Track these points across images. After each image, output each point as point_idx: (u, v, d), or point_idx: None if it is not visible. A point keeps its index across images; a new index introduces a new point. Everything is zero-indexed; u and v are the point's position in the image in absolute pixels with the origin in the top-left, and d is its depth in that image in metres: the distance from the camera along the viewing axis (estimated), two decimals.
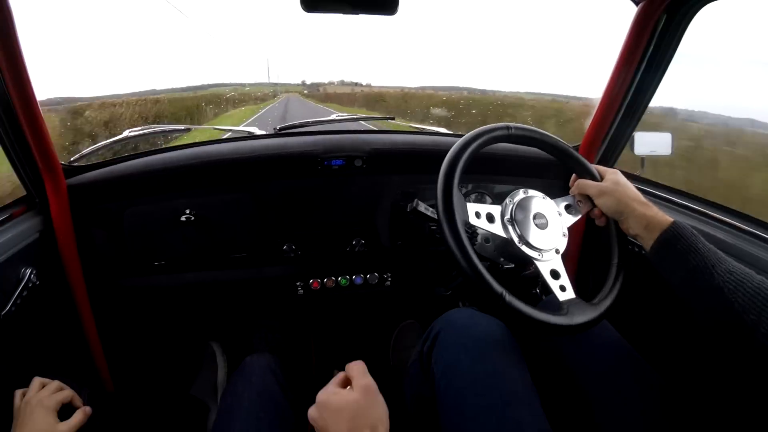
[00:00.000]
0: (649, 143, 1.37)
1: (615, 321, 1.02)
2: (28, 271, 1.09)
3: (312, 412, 0.64)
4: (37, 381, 0.85)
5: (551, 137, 0.99)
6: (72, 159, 1.27)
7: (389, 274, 1.48)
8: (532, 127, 0.97)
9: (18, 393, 0.83)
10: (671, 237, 0.78)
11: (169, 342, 1.64)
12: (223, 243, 1.33)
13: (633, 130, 1.37)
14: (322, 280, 1.44)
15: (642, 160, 1.41)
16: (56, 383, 0.85)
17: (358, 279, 1.47)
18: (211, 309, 1.57)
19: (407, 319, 1.77)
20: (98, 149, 1.33)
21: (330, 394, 0.64)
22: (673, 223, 0.80)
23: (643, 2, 1.13)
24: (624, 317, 1.08)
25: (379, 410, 0.64)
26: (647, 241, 0.83)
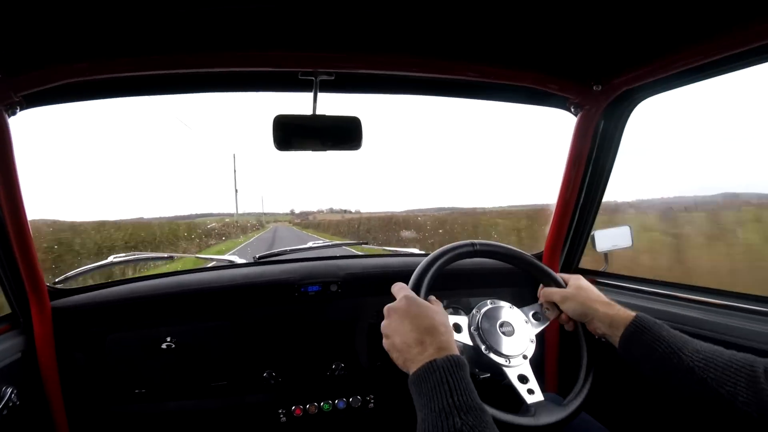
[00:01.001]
0: (610, 238, 1.46)
1: (598, 413, 1.02)
2: (9, 390, 1.08)
3: (383, 324, 0.81)
4: None
5: (514, 250, 1.07)
6: (56, 281, 1.32)
7: (372, 396, 1.45)
8: (496, 242, 1.05)
9: None
10: (635, 330, 0.84)
11: None
12: (203, 371, 1.33)
13: (591, 229, 1.46)
14: (305, 406, 1.41)
15: (605, 255, 1.48)
16: None
17: (341, 403, 1.43)
18: None
19: None
20: (83, 272, 1.39)
21: (388, 305, 0.82)
22: (636, 316, 0.85)
23: (580, 113, 1.29)
24: (605, 408, 1.09)
25: (438, 315, 0.78)
26: (614, 338, 0.87)
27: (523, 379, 0.90)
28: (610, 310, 0.90)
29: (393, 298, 0.85)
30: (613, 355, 1.01)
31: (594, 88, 1.23)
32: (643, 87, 1.20)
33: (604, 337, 0.91)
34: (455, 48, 1.08)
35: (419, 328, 0.74)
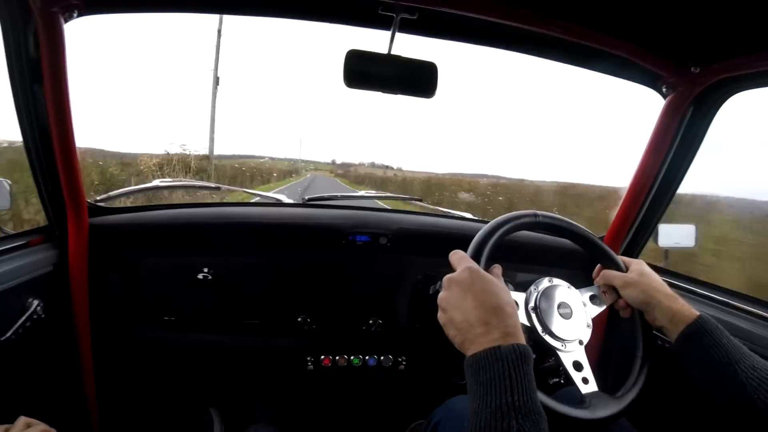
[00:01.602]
0: (674, 235, 1.39)
1: (630, 415, 0.96)
2: (35, 302, 1.07)
3: (441, 297, 0.72)
4: (22, 420, 0.79)
5: (578, 227, 1.00)
6: (98, 198, 1.30)
7: (404, 358, 1.42)
8: (558, 215, 0.98)
9: (1, 429, 0.78)
10: (696, 331, 0.79)
11: (166, 400, 1.55)
12: (237, 307, 1.30)
13: (658, 221, 1.37)
14: (334, 358, 1.39)
15: (666, 251, 1.41)
16: (42, 426, 0.79)
17: (371, 360, 1.40)
18: (215, 373, 1.50)
19: (419, 419, 1.62)
20: (126, 193, 1.37)
21: (449, 276, 0.72)
22: (699, 316, 0.80)
23: (671, 95, 1.18)
24: (640, 411, 1.03)
25: (503, 293, 0.70)
26: (672, 334, 0.82)
27: (578, 366, 0.84)
28: (674, 304, 0.84)
29: (449, 263, 0.78)
30: (661, 355, 0.96)
31: (692, 69, 1.11)
32: (742, 78, 1.10)
33: (661, 330, 0.86)
34: (554, 1, 0.97)
35: (484, 306, 0.67)
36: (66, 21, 0.95)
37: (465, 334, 0.66)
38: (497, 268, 0.83)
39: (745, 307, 1.12)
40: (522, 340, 0.64)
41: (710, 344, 0.76)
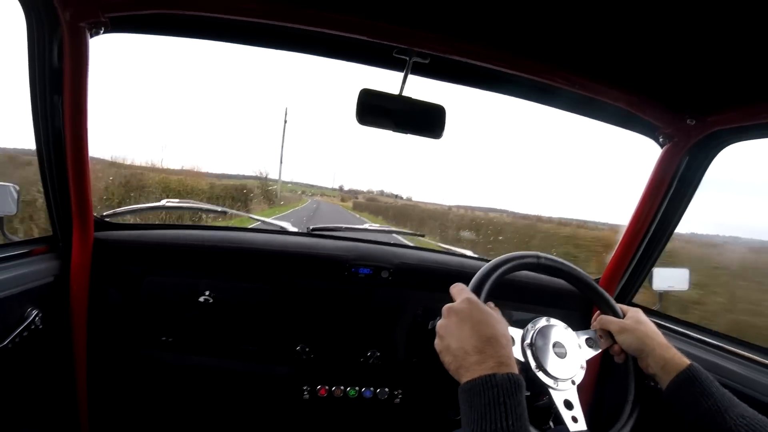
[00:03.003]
0: (668, 279, 1.42)
1: None
2: (34, 312, 1.07)
3: (439, 324, 0.75)
4: None
5: (578, 271, 1.02)
6: (105, 214, 1.30)
7: (400, 391, 1.42)
8: (560, 258, 1.01)
9: None
10: (686, 379, 0.81)
11: (157, 420, 1.52)
12: (236, 332, 1.31)
13: (653, 265, 1.40)
14: (330, 388, 1.38)
15: (660, 295, 1.44)
16: None
17: (367, 392, 1.40)
18: (210, 397, 1.48)
19: None
20: (133, 211, 1.37)
21: (449, 305, 0.77)
22: (690, 365, 0.83)
23: (667, 145, 1.23)
24: None
25: (500, 325, 0.73)
26: (663, 381, 0.84)
27: (568, 404, 0.86)
28: (667, 353, 0.87)
29: (449, 299, 0.80)
30: (652, 398, 0.98)
31: (688, 121, 1.16)
32: (737, 130, 1.15)
33: (653, 377, 0.88)
34: (557, 53, 1.03)
35: (480, 336, 0.70)
36: (92, 36, 0.98)
37: (461, 361, 0.69)
38: (492, 306, 0.85)
39: (737, 350, 1.14)
40: (515, 370, 0.67)
41: (700, 392, 0.78)
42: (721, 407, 0.76)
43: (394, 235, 1.94)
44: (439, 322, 0.76)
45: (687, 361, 0.84)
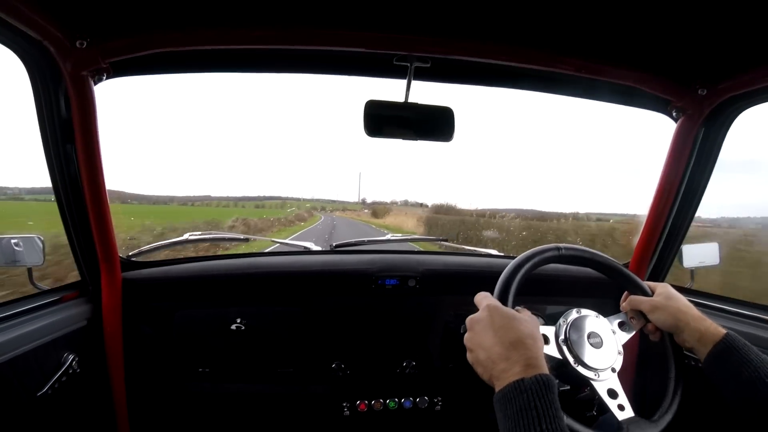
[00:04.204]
0: (698, 255, 1.38)
1: None
2: (71, 357, 1.09)
3: (466, 338, 0.75)
4: None
5: (601, 255, 1.01)
6: (131, 254, 1.33)
7: (440, 398, 1.42)
8: (581, 246, 0.99)
9: None
10: (724, 349, 0.80)
11: None
12: (271, 356, 1.32)
13: (681, 243, 1.38)
14: (370, 402, 1.38)
15: (691, 272, 1.40)
16: None
17: (407, 402, 1.40)
18: (252, 423, 1.49)
19: None
20: (157, 248, 1.40)
21: (471, 317, 0.77)
22: (726, 334, 0.81)
23: (681, 118, 1.20)
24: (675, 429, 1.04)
25: (524, 326, 0.72)
26: (701, 354, 0.83)
27: (612, 393, 0.85)
28: (702, 325, 0.85)
29: (475, 308, 0.80)
30: (692, 373, 0.97)
31: (699, 91, 1.14)
32: (749, 94, 1.12)
33: (691, 350, 0.87)
34: (557, 40, 1.01)
35: (504, 342, 0.69)
36: (96, 83, 1.00)
37: (490, 371, 0.68)
38: (520, 308, 0.83)
39: None
40: (544, 369, 0.66)
41: (739, 361, 0.77)
42: (762, 374, 0.75)
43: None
44: (466, 336, 0.76)
45: (723, 331, 0.83)
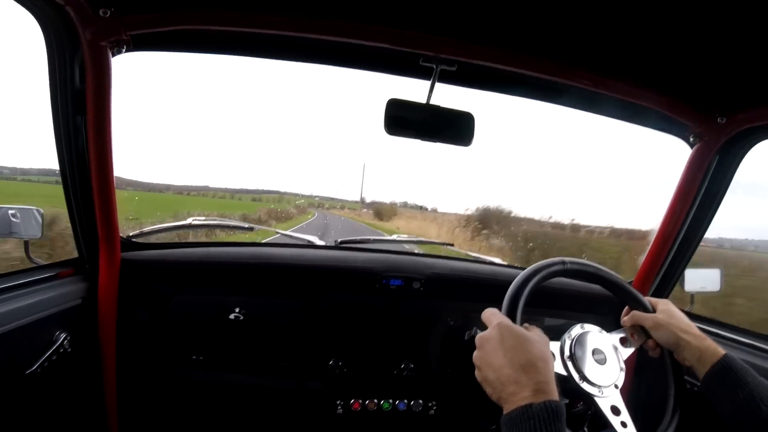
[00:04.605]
0: (699, 280, 1.39)
1: None
2: (63, 335, 1.06)
3: (475, 356, 0.73)
4: None
5: (605, 271, 1.01)
6: (132, 234, 1.30)
7: (434, 403, 1.41)
8: (586, 261, 0.99)
9: None
10: (722, 369, 0.81)
11: None
12: (268, 348, 1.30)
13: (685, 266, 1.38)
14: (364, 402, 1.37)
15: (692, 296, 1.41)
16: None
17: (401, 404, 1.39)
18: (243, 415, 1.47)
19: None
20: (160, 230, 1.37)
21: (481, 335, 0.75)
22: (725, 356, 0.82)
23: (697, 145, 1.21)
24: None
25: (535, 348, 0.70)
26: (700, 372, 0.84)
27: (615, 410, 0.84)
28: (702, 344, 0.85)
29: (481, 310, 0.80)
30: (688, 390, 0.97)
31: (718, 120, 1.14)
32: (765, 127, 1.12)
33: (690, 369, 0.87)
34: (584, 55, 1.01)
35: (514, 364, 0.68)
36: (114, 55, 0.98)
37: (499, 392, 0.67)
38: (529, 326, 0.82)
39: None
40: (554, 395, 0.65)
41: (735, 382, 0.78)
42: (756, 396, 0.75)
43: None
44: (475, 354, 0.75)
45: (722, 351, 0.83)
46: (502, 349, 0.70)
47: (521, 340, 0.71)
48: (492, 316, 0.78)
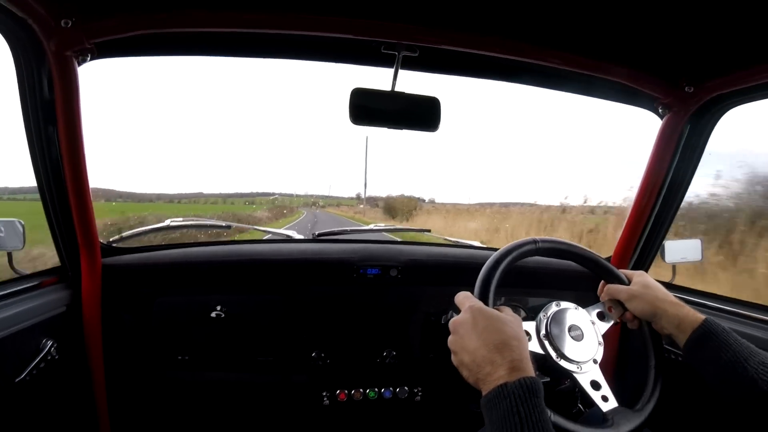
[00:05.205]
0: (680, 251, 1.39)
1: (651, 424, 0.97)
2: (49, 343, 1.07)
3: (450, 340, 0.74)
4: None
5: (577, 246, 1.01)
6: (111, 239, 1.31)
7: (420, 389, 1.42)
8: (558, 238, 1.00)
9: None
10: (703, 334, 0.80)
11: None
12: (251, 344, 1.31)
13: (663, 238, 1.39)
14: (350, 392, 1.38)
15: (673, 267, 1.41)
16: None
17: (387, 392, 1.40)
18: (231, 411, 1.49)
19: None
20: (138, 234, 1.38)
21: (454, 319, 0.75)
22: (705, 320, 0.82)
23: (667, 115, 1.22)
24: (660, 419, 1.05)
25: (509, 327, 0.71)
26: (680, 340, 0.84)
27: (595, 385, 0.85)
28: (680, 311, 0.85)
29: (456, 309, 0.79)
30: (674, 361, 0.97)
31: (686, 89, 1.15)
32: (735, 93, 1.13)
33: (670, 337, 0.87)
34: (547, 33, 1.02)
35: (488, 345, 0.68)
36: (80, 64, 0.99)
37: (476, 374, 0.68)
38: (503, 307, 0.83)
39: (755, 315, 1.14)
40: (530, 372, 0.65)
41: (718, 345, 0.78)
42: (741, 357, 0.75)
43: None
44: (450, 338, 0.75)
45: (701, 317, 0.83)
46: (475, 331, 0.71)
47: (493, 321, 0.72)
48: (465, 299, 0.79)
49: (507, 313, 0.77)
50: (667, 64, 1.11)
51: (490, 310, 0.76)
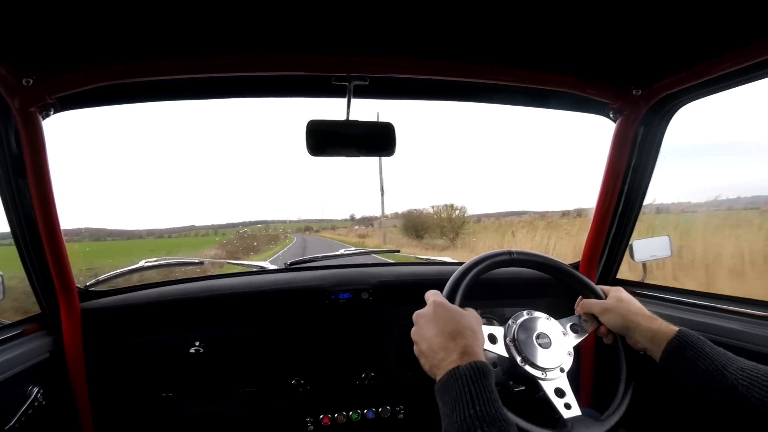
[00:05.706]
0: (648, 249, 1.42)
1: (636, 430, 1.02)
2: (35, 389, 1.09)
3: (412, 331, 0.80)
4: None
5: (552, 260, 1.04)
6: (88, 284, 1.33)
7: (402, 407, 1.43)
8: (533, 251, 1.03)
9: None
10: (678, 346, 0.81)
11: None
12: (231, 376, 1.32)
13: (629, 238, 1.42)
14: (333, 416, 1.39)
15: (644, 266, 1.44)
16: None
17: (370, 413, 1.41)
18: None
19: None
20: (114, 276, 1.40)
21: (417, 311, 0.82)
22: (679, 331, 0.83)
23: (619, 119, 1.26)
24: (644, 424, 1.06)
25: (464, 319, 0.77)
26: (656, 353, 0.85)
27: (559, 392, 0.88)
28: (653, 324, 0.87)
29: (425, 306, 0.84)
30: (652, 370, 0.99)
31: (634, 92, 1.20)
32: (683, 91, 1.17)
33: (645, 351, 0.88)
34: (492, 52, 1.06)
35: (444, 333, 0.73)
36: (44, 119, 1.02)
37: (431, 360, 0.72)
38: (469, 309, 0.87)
39: (730, 308, 1.15)
40: (480, 357, 0.69)
41: (694, 355, 0.79)
42: (719, 365, 0.76)
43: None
44: (412, 330, 0.80)
45: (675, 329, 0.84)
46: (434, 321, 0.76)
47: (452, 313, 0.77)
48: (431, 295, 0.85)
49: (469, 311, 0.82)
50: (613, 70, 1.14)
51: (451, 305, 0.81)
